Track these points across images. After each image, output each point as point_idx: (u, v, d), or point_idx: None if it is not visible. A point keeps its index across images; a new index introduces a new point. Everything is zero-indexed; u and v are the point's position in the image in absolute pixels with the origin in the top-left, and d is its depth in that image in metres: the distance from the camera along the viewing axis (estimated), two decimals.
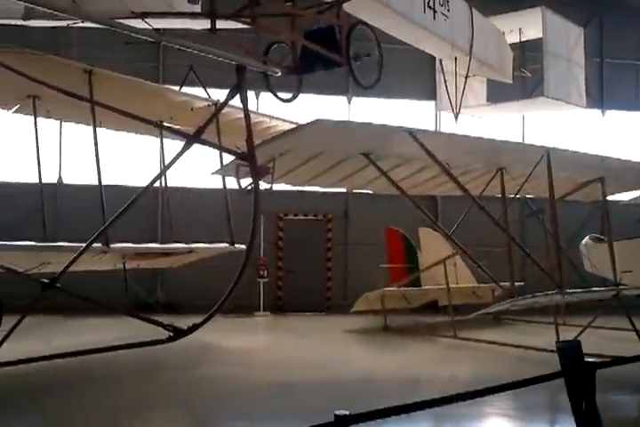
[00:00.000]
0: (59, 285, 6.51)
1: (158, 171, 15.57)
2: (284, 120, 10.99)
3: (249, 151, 5.99)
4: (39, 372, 8.13)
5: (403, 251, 14.69)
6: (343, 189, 15.73)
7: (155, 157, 15.84)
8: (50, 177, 13.27)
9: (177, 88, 10.67)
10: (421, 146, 8.21)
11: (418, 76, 17.20)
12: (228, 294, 6.60)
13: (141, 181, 14.79)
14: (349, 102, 17.62)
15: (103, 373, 8.92)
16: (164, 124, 7.63)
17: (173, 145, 11.30)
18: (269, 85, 6.98)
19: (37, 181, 9.61)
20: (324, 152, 8.26)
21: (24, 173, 14.66)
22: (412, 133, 8.10)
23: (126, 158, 15.59)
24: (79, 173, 15.75)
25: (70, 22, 5.42)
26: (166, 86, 11.12)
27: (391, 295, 13.46)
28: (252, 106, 7.28)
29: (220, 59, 5.65)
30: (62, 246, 7.78)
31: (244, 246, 11.79)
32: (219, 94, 10.91)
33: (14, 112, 9.28)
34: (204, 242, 11.18)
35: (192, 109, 10.15)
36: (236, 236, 11.18)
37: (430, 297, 14.46)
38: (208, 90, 11.46)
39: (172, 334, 6.89)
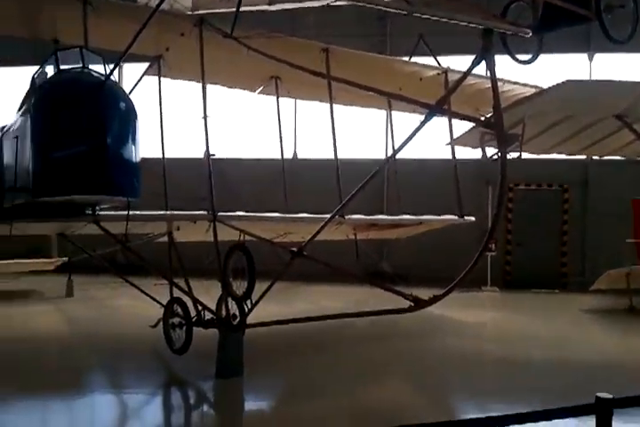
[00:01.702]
0: (305, 253, 6.96)
1: (384, 144, 16.08)
2: (517, 83, 10.37)
3: (496, 118, 5.71)
4: (282, 333, 8.83)
5: None
6: (582, 156, 14.49)
7: (380, 131, 16.25)
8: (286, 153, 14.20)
9: (406, 59, 10.60)
10: None
11: None
12: (471, 266, 6.46)
13: (368, 153, 15.50)
14: (591, 60, 16.04)
15: (340, 337, 9.44)
16: (402, 95, 7.61)
17: (403, 117, 11.42)
18: (507, 47, 6.55)
19: (276, 156, 10.31)
20: (573, 116, 7.62)
21: (262, 150, 16.09)
22: None
23: (352, 133, 16.08)
24: (311, 149, 16.73)
25: (324, 2, 5.59)
26: (396, 58, 11.10)
27: (639, 274, 12.16)
28: (481, 70, 6.91)
29: (469, 24, 5.43)
30: (306, 217, 8.27)
31: (472, 218, 11.55)
32: (447, 62, 10.67)
33: (259, 93, 10.00)
34: (431, 213, 11.08)
35: (421, 79, 10.02)
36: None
37: None
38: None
39: (412, 304, 6.99)
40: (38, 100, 6.52)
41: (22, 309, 11.73)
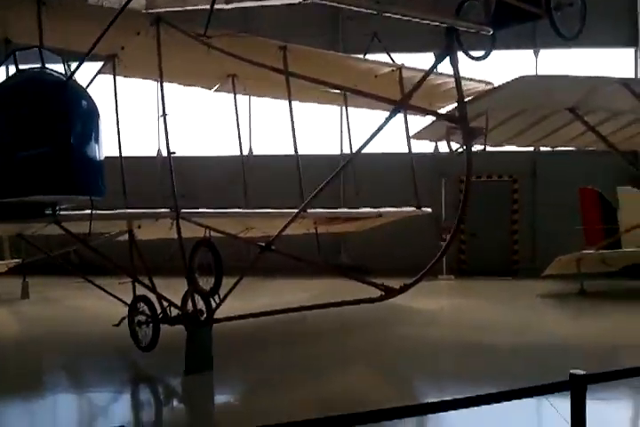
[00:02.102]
0: (274, 247, 7.06)
1: (339, 139, 16.23)
2: (469, 79, 10.68)
3: (461, 112, 5.95)
4: (249, 327, 8.92)
5: (599, 211, 13.77)
6: (530, 148, 15.02)
7: (331, 127, 16.40)
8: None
9: (360, 56, 10.77)
10: (637, 97, 7.60)
11: (614, 21, 15.65)
12: (439, 256, 6.72)
13: (320, 149, 15.59)
14: (536, 56, 16.55)
15: (305, 330, 9.59)
16: (365, 91, 7.72)
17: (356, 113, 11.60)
18: (461, 44, 6.79)
19: (230, 153, 10.28)
20: (528, 109, 7.97)
21: (213, 147, 16.04)
22: (626, 84, 7.52)
23: (304, 129, 16.15)
24: (264, 144, 16.79)
25: (292, 1, 5.65)
26: (352, 55, 11.25)
27: (589, 259, 12.72)
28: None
29: (432, 22, 5.62)
30: (272, 213, 8.35)
31: (429, 210, 11.85)
32: (399, 59, 10.88)
33: (215, 91, 10.01)
34: (386, 206, 11.30)
35: (376, 76, 10.22)
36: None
37: (633, 260, 13.44)
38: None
39: (383, 293, 7.19)
40: None
41: None
